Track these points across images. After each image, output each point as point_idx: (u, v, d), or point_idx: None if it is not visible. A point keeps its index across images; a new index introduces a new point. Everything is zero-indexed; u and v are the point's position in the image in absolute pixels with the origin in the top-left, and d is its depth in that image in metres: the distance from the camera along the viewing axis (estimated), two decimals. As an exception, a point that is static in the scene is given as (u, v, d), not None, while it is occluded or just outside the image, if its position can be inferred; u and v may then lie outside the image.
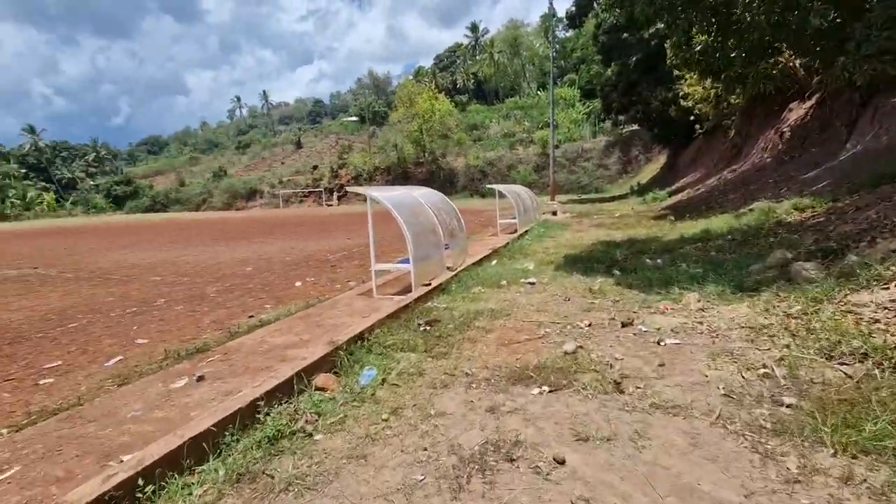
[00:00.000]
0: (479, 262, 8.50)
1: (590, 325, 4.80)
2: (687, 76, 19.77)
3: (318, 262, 10.48)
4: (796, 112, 18.11)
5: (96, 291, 8.15)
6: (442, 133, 57.42)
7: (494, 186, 13.44)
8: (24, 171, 77.58)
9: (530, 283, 6.90)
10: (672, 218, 13.71)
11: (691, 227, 11.19)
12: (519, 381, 3.52)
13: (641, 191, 31.56)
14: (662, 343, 4.15)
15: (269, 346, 4.46)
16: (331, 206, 60.24)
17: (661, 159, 44.11)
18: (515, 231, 13.51)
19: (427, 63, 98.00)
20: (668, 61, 22.48)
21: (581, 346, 4.17)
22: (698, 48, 8.79)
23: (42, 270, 11.25)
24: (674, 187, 26.28)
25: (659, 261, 7.65)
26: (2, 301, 7.71)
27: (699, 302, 5.21)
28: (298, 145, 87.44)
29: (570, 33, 75.89)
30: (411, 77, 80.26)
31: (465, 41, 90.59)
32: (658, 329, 4.54)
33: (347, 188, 6.13)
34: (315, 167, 72.66)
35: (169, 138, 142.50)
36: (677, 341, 4.17)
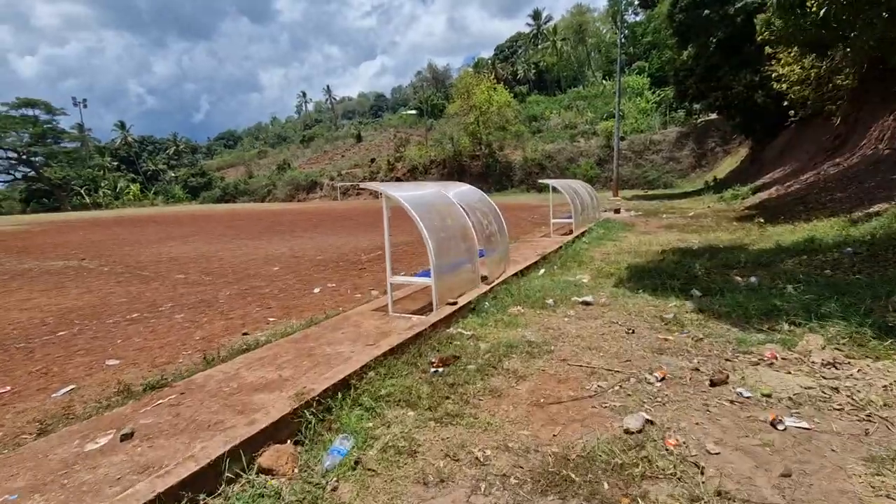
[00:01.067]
0: (524, 272, 7.22)
1: (663, 378, 3.45)
2: (782, 55, 16.99)
3: (349, 263, 9.65)
4: (925, 93, 14.97)
5: (115, 290, 7.78)
6: (499, 125, 55.71)
7: (548, 181, 11.97)
8: (115, 163, 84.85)
9: (584, 304, 5.57)
10: (761, 220, 11.59)
11: (789, 234, 9.21)
12: (551, 488, 2.30)
13: (719, 186, 28.46)
14: (780, 425, 2.75)
15: (238, 384, 3.53)
16: (386, 198, 60.48)
17: (742, 151, 39.82)
18: (570, 232, 12.00)
19: (488, 55, 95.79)
20: (759, 37, 19.60)
21: (651, 421, 2.87)
22: (822, 12, 6.87)
23: (86, 262, 11.32)
24: (758, 183, 23.23)
25: (753, 279, 6.00)
26: (24, 297, 7.50)
27: (824, 349, 3.69)
28: (359, 139, 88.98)
29: (640, 16, 70.91)
30: (470, 68, 78.76)
31: (527, 30, 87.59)
32: (768, 396, 3.11)
33: (361, 185, 5.10)
34: (373, 160, 73.51)
35: (242, 133, 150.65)
36: (804, 424, 2.75)
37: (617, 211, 19.44)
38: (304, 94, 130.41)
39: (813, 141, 23.02)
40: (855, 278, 5.48)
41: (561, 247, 9.52)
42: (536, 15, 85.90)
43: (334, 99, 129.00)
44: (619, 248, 9.80)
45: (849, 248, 6.66)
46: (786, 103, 18.84)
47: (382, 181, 65.29)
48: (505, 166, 54.65)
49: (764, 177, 25.06)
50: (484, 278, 6.26)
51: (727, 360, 3.72)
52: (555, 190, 12.00)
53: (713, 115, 48.15)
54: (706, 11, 26.17)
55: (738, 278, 6.20)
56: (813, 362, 3.51)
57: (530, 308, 5.48)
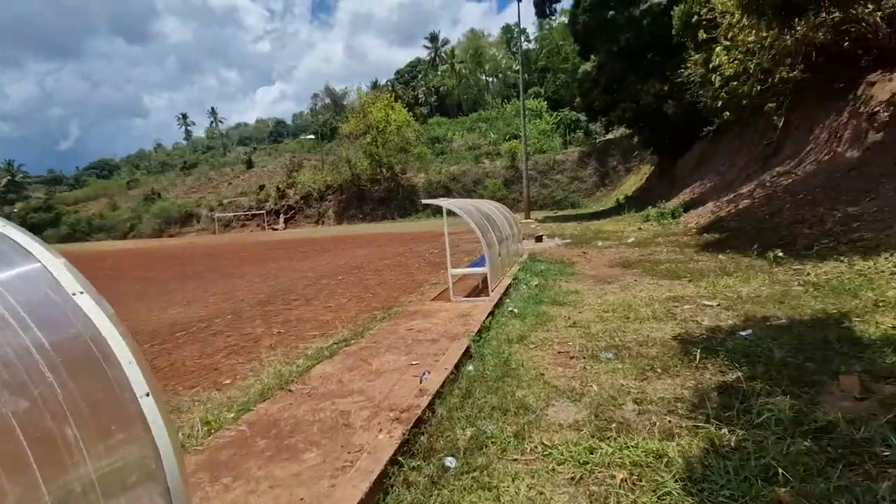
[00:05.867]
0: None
1: None
2: (721, 41, 13.85)
3: None
4: (884, 85, 12.41)
5: None
6: (400, 146, 50.98)
7: (435, 202, 6.65)
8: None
9: None
10: (779, 254, 7.30)
11: (874, 289, 4.79)
12: None
13: (633, 205, 25.71)
14: None
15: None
16: (276, 230, 52.57)
17: (645, 169, 38.87)
18: (483, 286, 6.78)
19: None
20: (675, 28, 16.79)
21: None
22: None
23: None
24: (683, 200, 20.35)
25: None
26: None
27: None
28: (249, 165, 79.02)
29: (532, 44, 71.48)
30: (367, 88, 73.87)
31: (425, 54, 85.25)
32: None
33: None
34: (261, 187, 64.76)
35: (120, 161, 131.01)
36: None
37: (539, 239, 14.96)
38: (185, 117, 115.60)
39: (735, 151, 20.81)
40: None
41: (469, 347, 4.13)
42: (433, 38, 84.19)
43: (220, 121, 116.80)
44: (588, 333, 4.68)
45: None
46: (721, 104, 15.79)
47: (271, 211, 56.91)
48: (408, 190, 49.75)
49: (682, 193, 22.48)
50: None
51: None
52: (450, 214, 6.69)
53: (611, 135, 47.97)
54: (611, 13, 23.68)
55: None
56: None
57: None
